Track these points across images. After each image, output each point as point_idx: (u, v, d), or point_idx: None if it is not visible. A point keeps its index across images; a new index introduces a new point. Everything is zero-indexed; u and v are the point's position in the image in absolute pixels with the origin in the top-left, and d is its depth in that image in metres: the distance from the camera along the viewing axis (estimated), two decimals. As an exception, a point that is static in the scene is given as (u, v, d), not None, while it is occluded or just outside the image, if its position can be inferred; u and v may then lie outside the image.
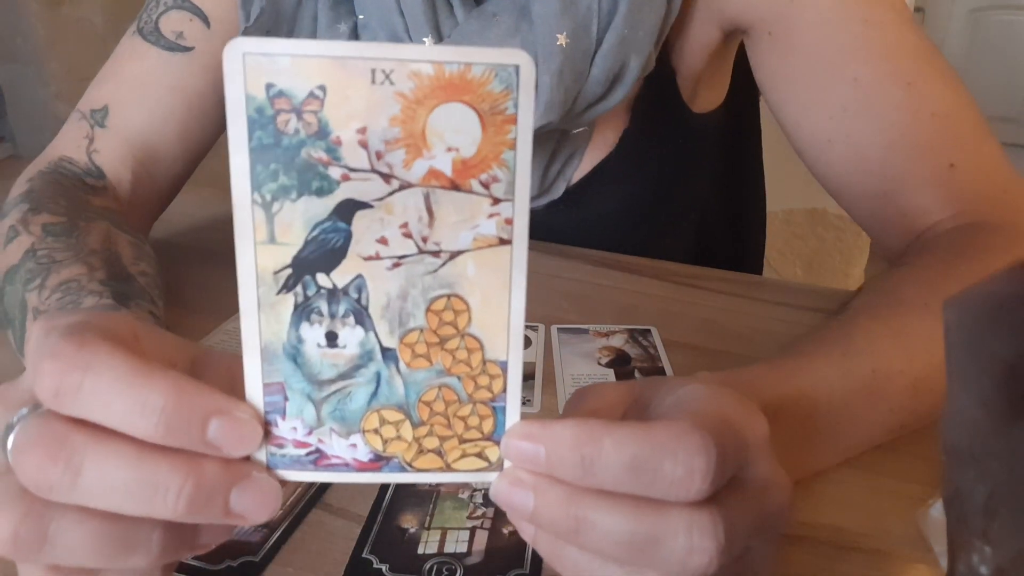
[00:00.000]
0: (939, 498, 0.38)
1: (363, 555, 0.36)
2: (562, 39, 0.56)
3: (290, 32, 0.62)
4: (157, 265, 0.54)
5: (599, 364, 0.52)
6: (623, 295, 0.62)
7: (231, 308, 0.58)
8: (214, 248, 0.68)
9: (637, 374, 0.51)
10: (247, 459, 0.26)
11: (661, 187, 0.70)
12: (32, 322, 0.45)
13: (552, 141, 0.64)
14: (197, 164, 0.67)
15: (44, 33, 1.53)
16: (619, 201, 0.68)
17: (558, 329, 0.56)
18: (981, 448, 0.23)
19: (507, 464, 0.27)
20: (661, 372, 0.51)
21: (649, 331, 0.56)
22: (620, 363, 0.52)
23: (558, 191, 0.66)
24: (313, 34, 0.61)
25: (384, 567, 0.36)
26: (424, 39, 0.57)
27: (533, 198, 0.66)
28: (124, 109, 0.62)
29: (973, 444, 0.23)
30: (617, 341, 0.55)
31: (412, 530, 0.38)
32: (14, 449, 0.24)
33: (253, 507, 0.25)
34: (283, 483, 0.26)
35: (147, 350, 0.27)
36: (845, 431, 0.41)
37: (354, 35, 0.60)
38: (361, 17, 0.60)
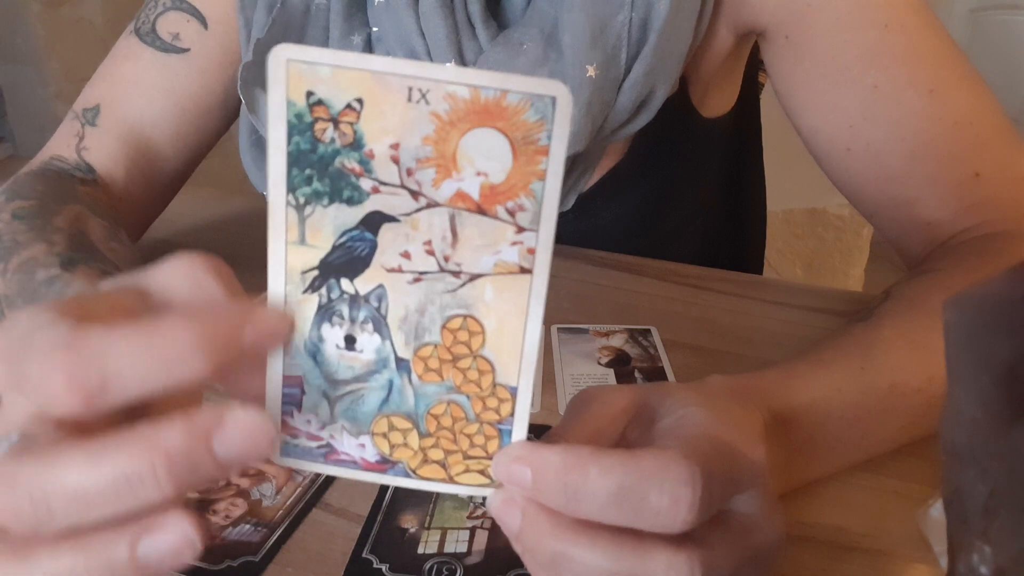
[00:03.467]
0: (939, 498, 0.38)
1: (363, 555, 0.36)
2: (591, 71, 0.54)
3: (300, 41, 0.60)
4: (132, 252, 0.53)
5: (599, 364, 0.52)
6: (623, 295, 0.62)
7: (231, 308, 0.58)
8: (214, 248, 0.68)
9: (637, 374, 0.51)
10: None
11: (668, 194, 0.69)
12: (6, 310, 0.44)
13: (567, 160, 0.62)
14: (195, 166, 0.67)
15: (44, 33, 1.53)
16: (626, 209, 0.67)
17: (558, 329, 0.56)
18: (981, 448, 0.23)
19: None
20: (661, 372, 0.51)
21: (649, 331, 0.56)
22: (620, 363, 0.52)
23: (568, 204, 0.65)
24: (325, 45, 0.60)
25: (384, 567, 0.36)
26: (446, 64, 0.56)
27: None
28: (116, 108, 0.62)
29: (973, 444, 0.23)
30: (617, 341, 0.55)
31: (412, 530, 0.38)
32: None
33: (245, 445, 0.23)
34: (296, 471, 0.27)
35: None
36: (855, 444, 0.41)
37: (368, 48, 0.59)
38: (376, 30, 0.58)
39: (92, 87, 0.63)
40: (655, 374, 0.51)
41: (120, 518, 0.23)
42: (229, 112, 0.66)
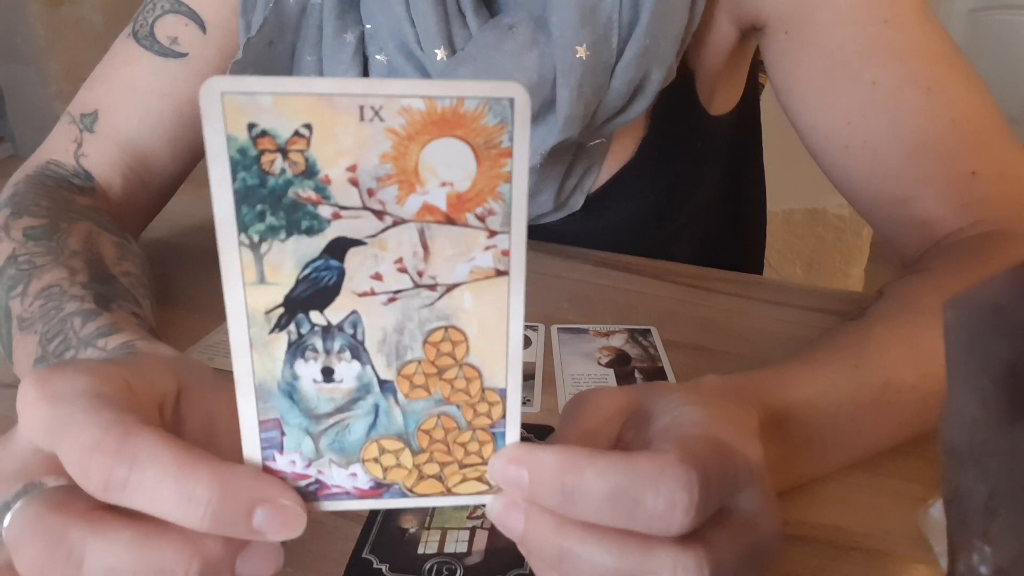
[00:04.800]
0: (939, 498, 0.38)
1: (363, 555, 0.36)
2: (581, 51, 0.54)
3: (295, 41, 0.60)
4: (143, 264, 0.53)
5: (599, 364, 0.52)
6: (623, 295, 0.62)
7: (231, 308, 0.58)
8: (214, 248, 0.68)
9: (637, 374, 0.51)
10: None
11: (676, 193, 0.68)
12: (18, 331, 0.44)
13: (568, 155, 0.62)
14: (190, 170, 0.67)
15: (44, 33, 1.53)
16: (635, 209, 0.67)
17: (558, 329, 0.56)
18: (981, 448, 0.23)
19: None
20: (661, 372, 0.51)
21: (649, 331, 0.56)
22: (620, 363, 0.52)
23: (576, 204, 0.64)
24: (319, 44, 0.60)
25: (384, 567, 0.36)
26: (436, 50, 0.55)
27: (549, 213, 0.65)
28: (114, 115, 0.61)
29: (973, 444, 0.23)
30: (617, 341, 0.55)
31: (412, 530, 0.38)
32: (10, 538, 0.25)
33: (258, 569, 0.26)
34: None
35: (139, 397, 0.27)
36: (850, 441, 0.41)
37: (361, 45, 0.59)
38: (369, 27, 0.58)
39: (89, 91, 0.63)
40: (655, 374, 0.51)
41: None
42: None
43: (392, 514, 0.39)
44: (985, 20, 2.53)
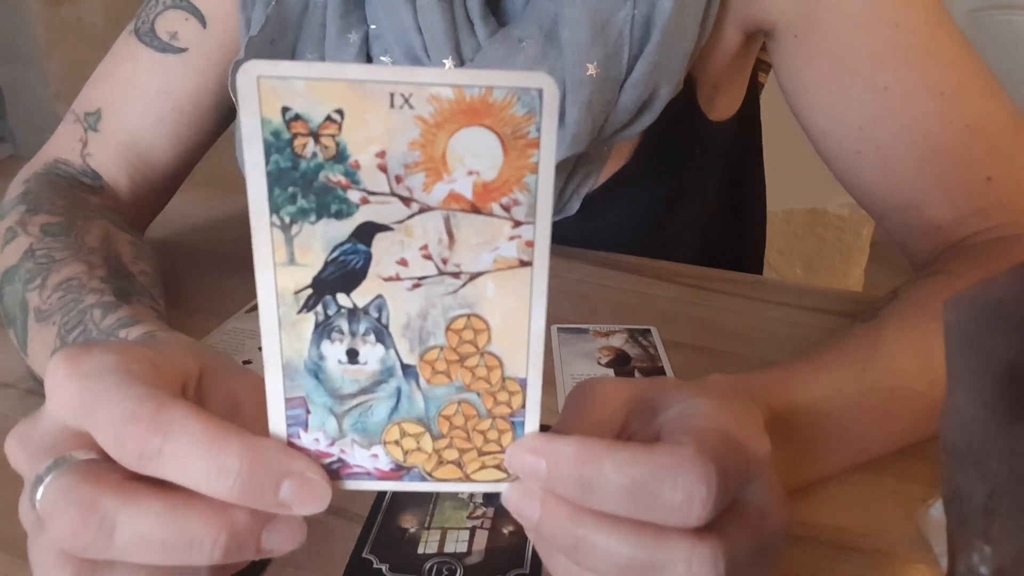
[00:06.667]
0: (939, 498, 0.38)
1: (363, 555, 0.36)
2: (592, 69, 0.53)
3: (296, 40, 0.60)
4: (157, 264, 0.54)
5: (599, 364, 0.52)
6: (623, 295, 0.62)
7: (231, 308, 0.58)
8: (214, 248, 0.68)
9: (637, 374, 0.51)
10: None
11: (673, 198, 0.68)
12: (35, 322, 0.45)
13: (569, 163, 0.61)
14: (192, 166, 0.67)
15: (44, 33, 1.53)
16: (631, 213, 0.67)
17: (558, 329, 0.56)
18: (981, 448, 0.23)
19: None
20: (661, 372, 0.51)
21: (649, 331, 0.56)
22: (620, 363, 0.52)
23: (572, 208, 0.64)
24: (321, 42, 0.59)
25: (384, 567, 0.36)
26: (444, 60, 0.55)
27: None
28: (116, 113, 0.62)
29: (973, 444, 0.23)
30: (617, 341, 0.55)
31: (412, 530, 0.38)
32: (44, 508, 0.25)
33: (282, 543, 0.26)
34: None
35: (164, 375, 0.28)
36: (854, 445, 0.41)
37: (365, 45, 0.58)
38: (373, 27, 0.58)
39: (92, 88, 0.63)
40: (655, 374, 0.51)
41: (158, 571, 0.25)
42: (227, 111, 0.66)
43: (392, 514, 0.39)
44: (985, 20, 2.52)
